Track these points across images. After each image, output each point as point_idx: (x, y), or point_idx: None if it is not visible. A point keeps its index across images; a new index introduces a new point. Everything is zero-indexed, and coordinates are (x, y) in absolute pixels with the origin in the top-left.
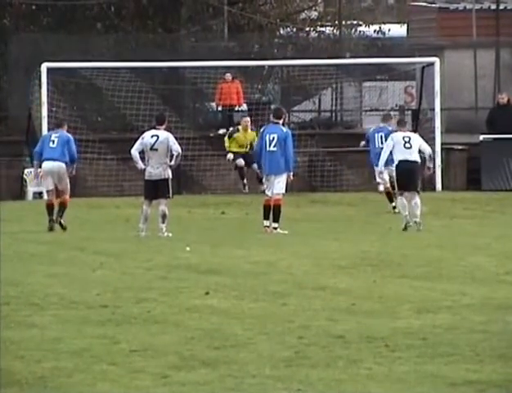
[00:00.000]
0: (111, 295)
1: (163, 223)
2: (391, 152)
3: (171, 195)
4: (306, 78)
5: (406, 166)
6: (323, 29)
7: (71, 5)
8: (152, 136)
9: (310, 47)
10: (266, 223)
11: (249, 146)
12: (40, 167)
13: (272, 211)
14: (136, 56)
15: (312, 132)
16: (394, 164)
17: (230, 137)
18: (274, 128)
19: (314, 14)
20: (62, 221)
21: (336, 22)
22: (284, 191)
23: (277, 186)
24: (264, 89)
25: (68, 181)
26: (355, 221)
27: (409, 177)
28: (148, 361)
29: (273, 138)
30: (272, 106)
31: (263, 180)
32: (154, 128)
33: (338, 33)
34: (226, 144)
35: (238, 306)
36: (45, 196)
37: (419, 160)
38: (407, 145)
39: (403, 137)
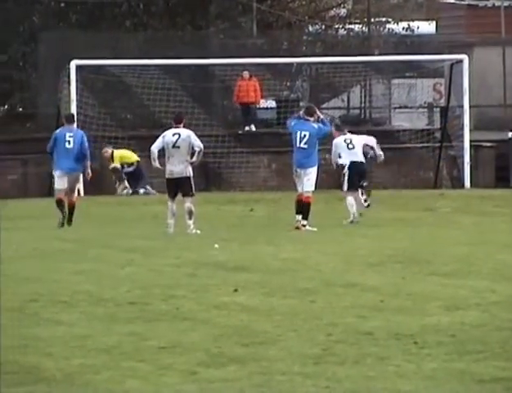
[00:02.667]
0: (140, 292)
1: (191, 219)
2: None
3: (193, 192)
4: (335, 75)
5: (354, 167)
6: (352, 26)
7: (100, 2)
8: (174, 134)
9: (339, 44)
10: (298, 217)
11: None
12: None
13: (302, 208)
14: (165, 53)
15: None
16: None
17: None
18: (306, 125)
19: (343, 11)
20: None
21: (365, 19)
22: (314, 188)
23: (307, 183)
24: (293, 86)
25: (79, 183)
26: (383, 218)
27: (361, 176)
28: (176, 358)
29: (305, 135)
30: (301, 104)
31: (294, 176)
32: (173, 127)
33: (367, 30)
34: None
35: (267, 303)
36: (57, 189)
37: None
38: (350, 146)
39: (344, 140)
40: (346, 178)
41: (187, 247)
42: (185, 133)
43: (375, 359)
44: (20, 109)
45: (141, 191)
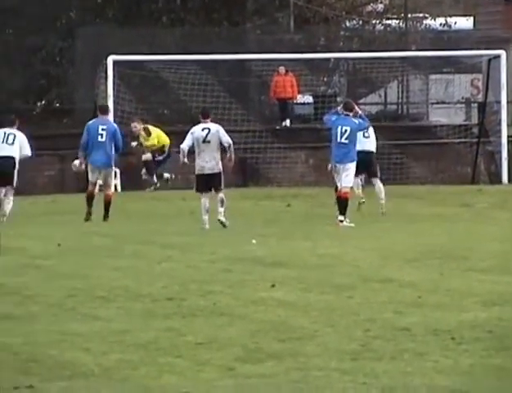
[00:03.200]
0: (177, 287)
1: (222, 206)
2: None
3: (223, 187)
4: (372, 70)
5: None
6: (389, 21)
7: None
8: (203, 129)
9: (376, 39)
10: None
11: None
12: (84, 158)
13: (339, 204)
14: (202, 49)
15: (377, 124)
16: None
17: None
18: (347, 120)
19: (380, 6)
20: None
21: (402, 15)
22: (352, 184)
23: (345, 179)
24: (330, 82)
25: (113, 178)
26: (421, 214)
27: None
28: (214, 353)
29: (346, 130)
30: (338, 99)
31: (332, 172)
32: (201, 122)
33: (404, 25)
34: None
35: (304, 299)
36: (89, 182)
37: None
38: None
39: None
40: None
41: (224, 243)
42: (214, 127)
43: (412, 355)
44: (57, 104)
45: (167, 175)
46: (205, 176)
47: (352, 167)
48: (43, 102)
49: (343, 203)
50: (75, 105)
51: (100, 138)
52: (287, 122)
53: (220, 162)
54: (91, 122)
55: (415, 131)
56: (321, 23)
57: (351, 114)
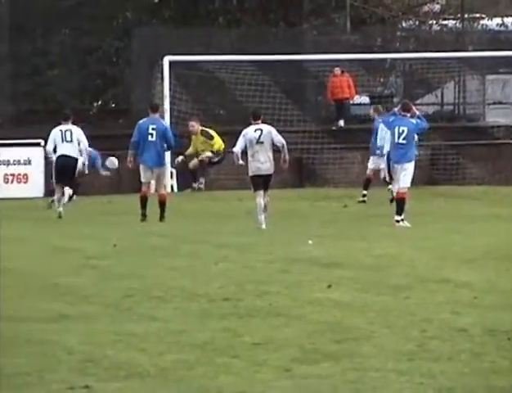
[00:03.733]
0: (233, 288)
1: (266, 211)
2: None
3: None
4: (428, 71)
5: None
6: (445, 22)
7: None
8: (256, 130)
9: (432, 40)
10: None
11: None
12: (135, 157)
13: (396, 204)
14: (259, 49)
15: (434, 125)
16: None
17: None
18: (404, 120)
19: (437, 7)
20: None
21: (459, 15)
22: (409, 184)
23: (403, 179)
24: (386, 82)
25: (167, 177)
26: (477, 214)
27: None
28: (270, 354)
29: (403, 131)
30: (395, 100)
31: (388, 179)
32: (252, 124)
33: (460, 26)
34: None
35: (360, 299)
36: (142, 182)
37: None
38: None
39: None
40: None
41: (280, 243)
42: (266, 128)
43: (469, 356)
44: (113, 105)
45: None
46: (261, 177)
47: (409, 167)
48: (99, 103)
49: (400, 203)
50: (131, 105)
51: (150, 138)
52: (341, 122)
53: (273, 163)
54: (141, 121)
55: (472, 131)
56: (378, 23)
57: (408, 114)
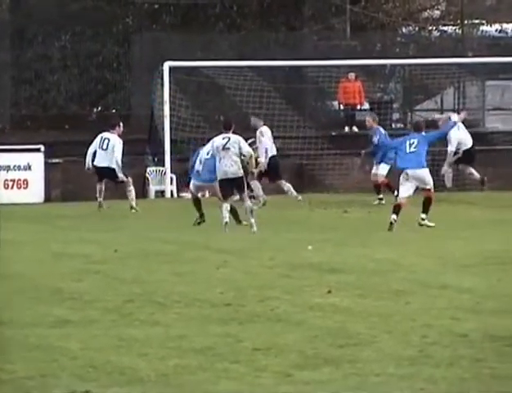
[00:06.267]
0: (234, 293)
1: (253, 217)
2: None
3: (246, 190)
4: (428, 77)
5: None
6: (445, 28)
7: (193, 4)
8: (223, 138)
9: (432, 46)
10: (394, 216)
11: None
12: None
13: (423, 204)
14: (259, 54)
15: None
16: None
17: None
18: (415, 135)
19: (436, 13)
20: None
21: (458, 21)
22: (432, 184)
23: (426, 180)
24: (386, 88)
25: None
26: (478, 220)
27: None
28: (271, 359)
29: (413, 142)
30: (394, 106)
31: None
32: (222, 132)
33: (460, 32)
34: None
35: (361, 304)
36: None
37: None
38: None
39: None
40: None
41: (281, 249)
42: (234, 137)
43: (470, 361)
44: (114, 110)
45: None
46: (230, 180)
47: (423, 172)
48: (99, 108)
49: (425, 203)
50: (131, 110)
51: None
52: (354, 128)
53: (241, 167)
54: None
55: (472, 138)
56: (378, 29)
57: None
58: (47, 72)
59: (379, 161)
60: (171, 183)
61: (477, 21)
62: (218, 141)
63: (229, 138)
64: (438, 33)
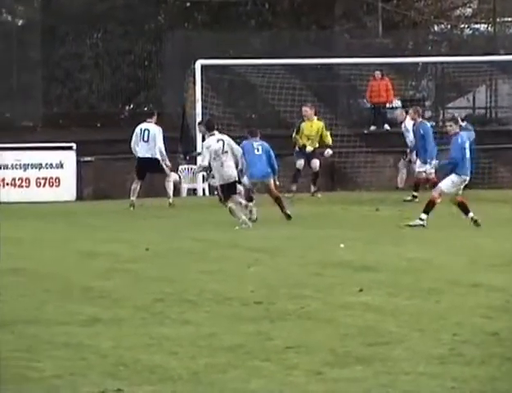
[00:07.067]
0: (265, 291)
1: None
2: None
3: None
4: (460, 75)
5: None
6: (477, 26)
7: (225, 2)
8: (218, 141)
9: (464, 44)
10: (470, 215)
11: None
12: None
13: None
14: (290, 53)
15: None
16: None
17: (298, 131)
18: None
19: (468, 11)
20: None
21: (491, 19)
22: (443, 189)
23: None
24: (418, 86)
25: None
26: (508, 218)
27: None
28: (302, 358)
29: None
30: (426, 103)
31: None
32: (207, 135)
33: (492, 30)
34: (299, 141)
35: (392, 303)
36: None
37: None
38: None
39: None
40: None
41: (312, 247)
42: (225, 138)
43: (501, 360)
44: (145, 108)
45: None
46: (231, 183)
47: (451, 176)
48: (131, 106)
49: (429, 204)
50: (163, 108)
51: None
52: (386, 126)
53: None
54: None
55: (504, 135)
56: (410, 27)
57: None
58: (79, 70)
59: (424, 160)
60: (203, 181)
61: (509, 19)
62: (214, 144)
63: (223, 140)
64: (470, 31)
